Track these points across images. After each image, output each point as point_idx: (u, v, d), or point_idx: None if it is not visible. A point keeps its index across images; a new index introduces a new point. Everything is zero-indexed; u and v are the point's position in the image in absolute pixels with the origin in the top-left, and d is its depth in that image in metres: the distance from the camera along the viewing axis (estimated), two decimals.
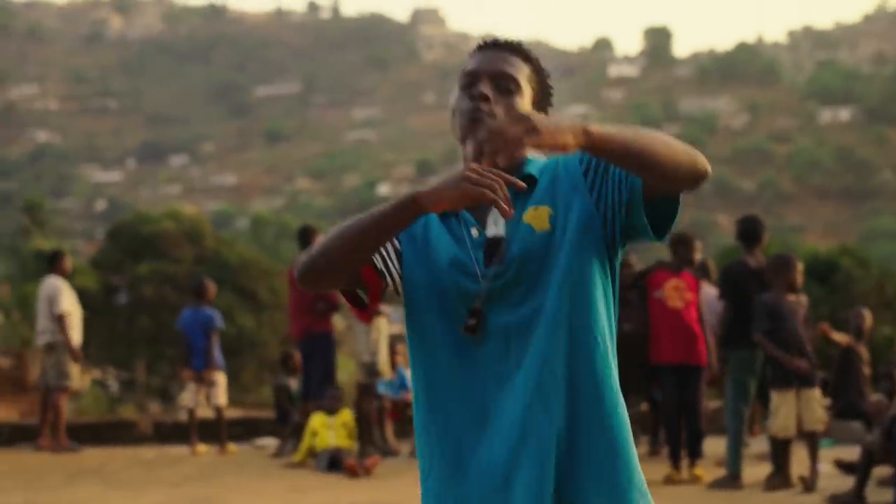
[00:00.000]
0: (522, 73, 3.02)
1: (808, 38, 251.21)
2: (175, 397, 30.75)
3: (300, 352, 13.56)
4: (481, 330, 2.87)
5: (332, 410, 12.77)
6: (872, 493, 9.49)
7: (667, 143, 2.74)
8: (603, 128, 2.69)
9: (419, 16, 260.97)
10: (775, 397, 10.31)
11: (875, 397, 13.32)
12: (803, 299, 10.58)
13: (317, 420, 12.69)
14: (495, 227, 2.92)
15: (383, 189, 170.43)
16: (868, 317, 14.06)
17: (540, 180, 2.95)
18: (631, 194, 2.85)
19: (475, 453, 2.87)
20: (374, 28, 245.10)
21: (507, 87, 2.97)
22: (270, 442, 15.37)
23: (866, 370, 13.50)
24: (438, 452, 2.94)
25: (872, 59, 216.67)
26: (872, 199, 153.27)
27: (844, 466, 11.02)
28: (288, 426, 14.14)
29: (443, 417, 2.93)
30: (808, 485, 10.01)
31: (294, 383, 14.86)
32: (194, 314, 14.33)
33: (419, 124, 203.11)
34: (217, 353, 14.24)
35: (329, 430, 12.63)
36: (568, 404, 2.84)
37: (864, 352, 13.60)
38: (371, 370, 13.03)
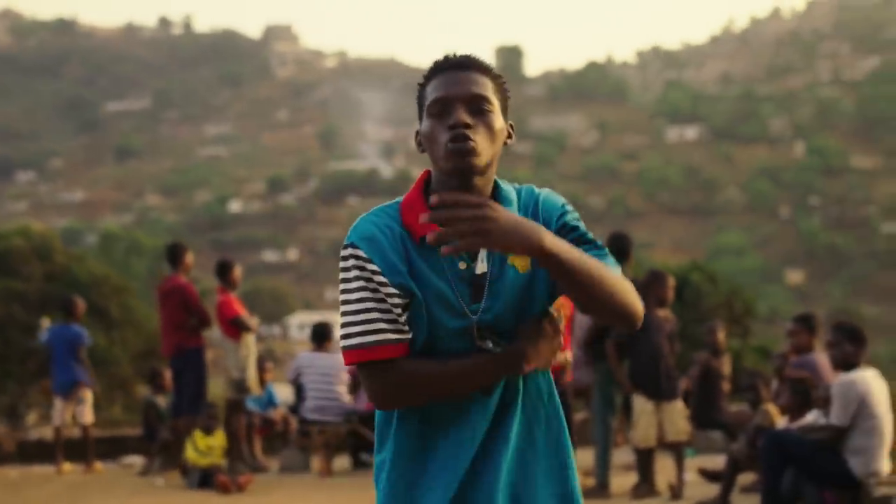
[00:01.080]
0: (489, 89, 3.04)
1: (656, 59, 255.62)
2: (23, 416, 30.20)
3: (171, 368, 13.51)
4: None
5: (208, 429, 12.71)
6: (737, 499, 9.81)
7: (615, 285, 2.89)
8: (560, 247, 2.80)
9: (272, 32, 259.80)
10: (637, 408, 10.61)
11: (736, 408, 13.72)
12: (670, 316, 10.87)
13: (198, 438, 12.55)
14: (482, 263, 2.99)
15: (234, 205, 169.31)
16: (721, 331, 14.50)
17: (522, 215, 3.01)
18: None
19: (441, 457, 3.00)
20: (226, 44, 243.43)
21: (480, 107, 3.00)
22: (137, 460, 15.28)
23: (725, 384, 13.89)
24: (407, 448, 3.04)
25: (719, 80, 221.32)
26: (718, 215, 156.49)
27: (708, 475, 11.33)
28: (156, 443, 14.08)
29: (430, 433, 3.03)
30: (676, 492, 10.29)
31: (162, 400, 14.81)
32: (62, 330, 14.21)
33: (272, 141, 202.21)
34: (85, 371, 14.13)
35: (202, 452, 12.54)
36: (524, 429, 3.04)
37: (724, 365, 13.98)
38: (240, 386, 13.02)
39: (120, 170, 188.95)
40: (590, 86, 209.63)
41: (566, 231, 3.02)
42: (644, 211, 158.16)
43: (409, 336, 2.96)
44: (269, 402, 14.94)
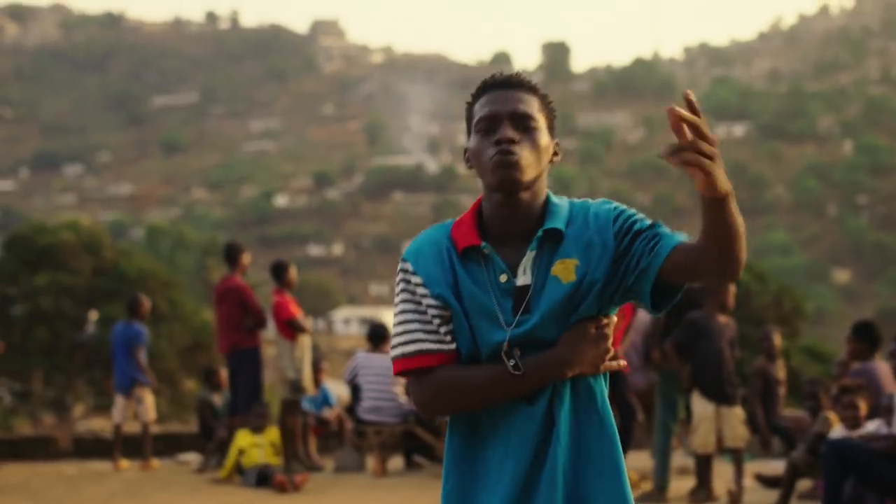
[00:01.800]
0: (535, 107, 3.13)
1: (703, 55, 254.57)
2: (70, 408, 30.45)
3: (228, 367, 13.61)
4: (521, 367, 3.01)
5: (258, 428, 12.83)
6: None
7: (741, 236, 2.90)
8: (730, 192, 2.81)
9: (318, 27, 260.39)
10: (696, 413, 10.60)
11: (796, 413, 13.67)
12: (731, 322, 10.86)
13: (243, 438, 12.73)
14: (524, 275, 3.06)
15: (280, 200, 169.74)
16: (777, 337, 14.44)
17: (567, 232, 3.07)
18: (650, 265, 2.98)
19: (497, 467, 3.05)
20: (273, 39, 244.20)
21: (526, 125, 3.08)
22: (193, 457, 15.39)
23: (781, 389, 13.84)
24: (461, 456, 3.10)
25: (766, 76, 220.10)
26: (766, 214, 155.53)
27: (766, 480, 11.33)
28: (212, 442, 14.18)
29: (478, 441, 3.08)
30: (735, 498, 10.29)
31: (218, 399, 14.93)
32: (124, 329, 14.38)
33: (317, 136, 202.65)
34: (143, 370, 14.26)
35: (257, 448, 12.69)
36: (574, 433, 3.05)
37: (779, 370, 13.95)
38: (295, 387, 13.09)
39: (166, 164, 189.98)
40: (637, 82, 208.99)
41: (626, 231, 3.05)
42: (690, 208, 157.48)
43: (452, 347, 3.07)
44: (324, 401, 15.03)
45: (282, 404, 13.25)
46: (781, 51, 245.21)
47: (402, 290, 3.13)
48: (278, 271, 13.29)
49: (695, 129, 2.74)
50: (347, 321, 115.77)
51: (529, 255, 3.05)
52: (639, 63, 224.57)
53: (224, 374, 14.51)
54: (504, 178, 3.02)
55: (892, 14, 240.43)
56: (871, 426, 9.05)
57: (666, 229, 3.05)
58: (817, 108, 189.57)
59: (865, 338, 10.45)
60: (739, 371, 11.45)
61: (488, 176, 3.06)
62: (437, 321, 3.06)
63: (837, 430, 9.29)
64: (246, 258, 13.51)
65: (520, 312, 3.02)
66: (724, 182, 2.77)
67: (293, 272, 13.32)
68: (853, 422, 9.12)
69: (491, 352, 3.02)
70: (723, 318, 10.66)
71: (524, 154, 3.04)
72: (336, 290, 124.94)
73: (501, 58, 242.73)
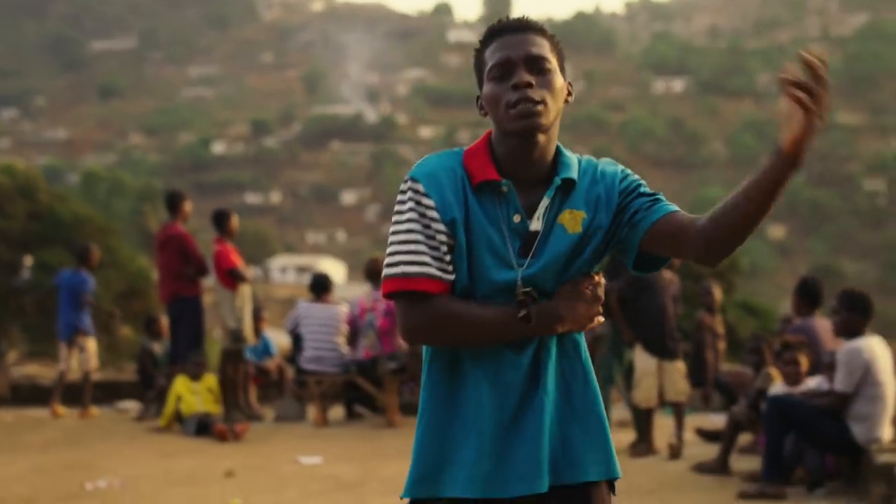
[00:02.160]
0: (547, 49, 3.07)
1: (644, 10, 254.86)
2: (4, 355, 30.22)
3: (168, 316, 13.52)
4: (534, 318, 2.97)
5: (196, 375, 12.76)
6: (735, 460, 9.87)
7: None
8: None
9: None
10: (639, 368, 10.65)
11: (735, 368, 13.79)
12: (675, 278, 10.91)
13: (181, 384, 12.65)
14: (537, 220, 3.02)
15: (218, 147, 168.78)
16: (717, 291, 14.55)
17: (579, 183, 3.06)
18: (643, 219, 3.01)
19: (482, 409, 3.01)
20: None
21: (541, 67, 3.02)
22: (133, 405, 15.30)
23: (721, 343, 13.96)
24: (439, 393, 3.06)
25: (706, 33, 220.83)
26: (702, 168, 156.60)
27: (706, 434, 11.42)
28: (152, 390, 14.10)
29: (463, 380, 3.03)
30: (676, 452, 10.36)
31: (158, 347, 14.84)
32: (71, 277, 14.29)
33: (256, 83, 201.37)
34: (87, 318, 14.17)
35: (194, 394, 12.62)
36: (562, 387, 3.05)
37: (719, 325, 14.04)
38: (236, 336, 13.02)
39: (103, 109, 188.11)
40: (577, 36, 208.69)
41: (630, 191, 3.07)
42: (628, 162, 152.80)
43: (452, 277, 2.99)
44: (265, 351, 14.97)
45: (222, 354, 13.16)
46: (722, 7, 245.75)
47: (411, 210, 2.99)
48: (220, 220, 13.16)
49: (818, 81, 2.80)
50: (284, 269, 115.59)
51: (545, 201, 3.01)
52: (580, 17, 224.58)
53: (165, 322, 14.41)
54: (526, 126, 2.96)
55: None
56: (813, 382, 9.12)
57: (666, 203, 3.07)
58: (756, 66, 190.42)
59: (807, 295, 10.50)
60: (680, 326, 11.51)
61: (507, 123, 3.00)
62: (444, 248, 2.98)
63: (778, 386, 9.34)
64: (188, 206, 13.38)
65: (529, 256, 2.99)
66: (807, 149, 2.83)
67: (235, 221, 13.20)
68: (794, 378, 9.18)
69: (490, 290, 2.99)
70: (667, 274, 10.71)
71: (542, 97, 2.99)
72: (273, 239, 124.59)
73: (443, 8, 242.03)
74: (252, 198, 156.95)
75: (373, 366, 12.76)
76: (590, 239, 3.03)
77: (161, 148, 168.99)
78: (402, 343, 12.65)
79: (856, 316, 8.67)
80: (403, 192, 3.03)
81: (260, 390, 15.09)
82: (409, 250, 2.97)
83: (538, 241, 3.00)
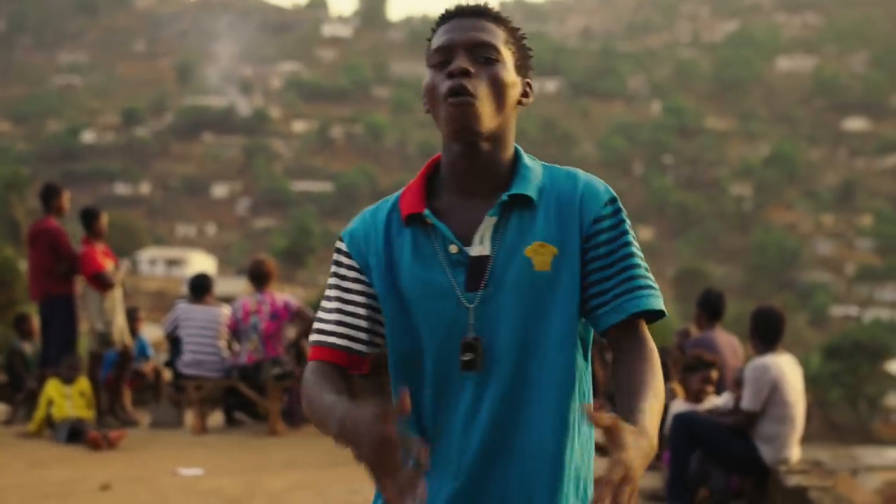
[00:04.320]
0: (499, 38, 2.61)
1: (519, 10, 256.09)
2: None
3: (40, 315, 12.88)
4: (482, 363, 2.52)
5: (68, 379, 12.15)
6: None
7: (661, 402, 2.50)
8: (654, 424, 2.38)
9: None
10: None
11: None
12: None
13: (52, 388, 12.04)
14: (481, 244, 2.54)
15: (87, 136, 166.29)
16: None
17: (541, 207, 2.57)
18: (601, 318, 2.56)
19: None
20: None
21: (486, 56, 2.57)
22: (1, 409, 14.64)
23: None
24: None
25: (579, 34, 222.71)
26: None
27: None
28: (21, 393, 13.46)
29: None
30: None
31: (29, 348, 14.21)
32: None
33: (127, 72, 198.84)
34: None
35: (66, 399, 12.03)
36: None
37: None
38: (104, 339, 12.47)
39: None
40: None
41: (601, 235, 2.55)
42: None
43: (362, 349, 2.62)
44: (141, 352, 14.40)
45: (90, 356, 12.62)
46: (595, 10, 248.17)
47: (332, 273, 2.67)
48: (88, 219, 12.56)
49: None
50: (153, 262, 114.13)
51: (488, 222, 2.53)
52: None
53: (36, 321, 13.76)
54: (460, 127, 2.53)
55: None
56: (720, 400, 8.87)
57: (649, 276, 2.59)
58: (628, 68, 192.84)
59: (709, 307, 10.29)
60: None
61: (443, 123, 2.55)
62: (361, 311, 2.62)
63: (680, 403, 9.08)
64: (65, 200, 12.70)
65: (481, 288, 2.52)
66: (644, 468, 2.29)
67: (104, 220, 12.60)
68: (700, 395, 8.93)
69: (444, 336, 2.53)
70: None
71: (480, 91, 2.53)
72: (142, 230, 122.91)
73: (318, 2, 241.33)
74: (122, 189, 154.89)
75: (255, 371, 12.27)
76: (562, 283, 2.54)
77: (29, 136, 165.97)
78: (286, 348, 12.24)
79: (764, 333, 8.44)
80: (335, 251, 2.71)
81: (135, 394, 14.52)
82: (325, 318, 2.66)
83: (490, 270, 2.53)
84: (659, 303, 2.58)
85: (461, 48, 2.56)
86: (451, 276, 2.54)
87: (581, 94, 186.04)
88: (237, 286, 63.27)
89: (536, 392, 2.52)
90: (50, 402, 11.95)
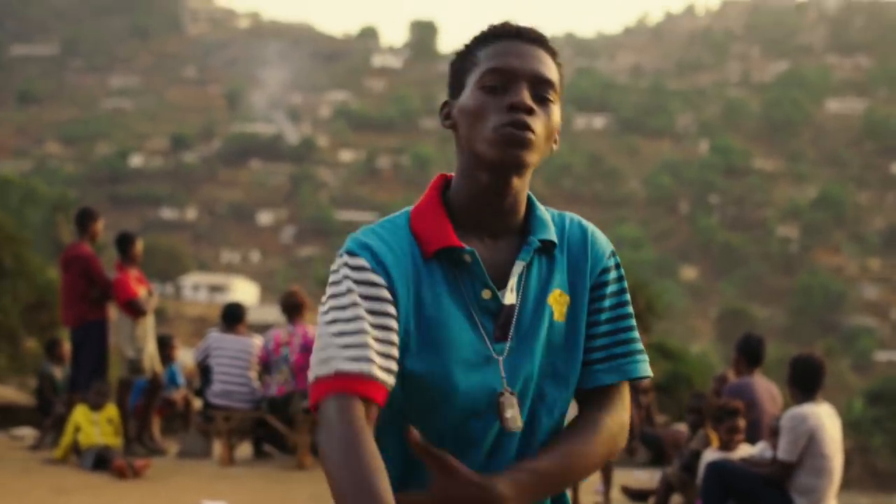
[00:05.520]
0: (555, 76, 2.43)
1: (569, 45, 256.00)
2: None
3: (72, 340, 12.78)
4: (521, 420, 2.40)
5: (97, 405, 12.04)
6: None
7: (598, 451, 2.43)
8: (517, 482, 2.28)
9: None
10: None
11: (661, 420, 13.32)
12: None
13: (80, 414, 11.93)
14: (511, 293, 2.39)
15: (135, 160, 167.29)
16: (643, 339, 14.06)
17: (562, 255, 2.46)
18: (589, 377, 2.49)
19: None
20: None
21: (544, 94, 2.38)
22: (29, 433, 14.55)
23: (643, 397, 13.46)
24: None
25: (629, 71, 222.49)
26: (620, 206, 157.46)
27: (632, 494, 10.90)
28: (49, 417, 13.36)
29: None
30: None
31: (59, 372, 14.12)
32: None
33: (177, 97, 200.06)
34: None
35: (94, 425, 11.91)
36: None
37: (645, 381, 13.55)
38: (134, 367, 12.37)
39: (21, 115, 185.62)
40: None
41: (604, 289, 2.47)
42: (546, 196, 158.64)
43: (393, 382, 2.30)
44: (172, 381, 14.28)
45: (119, 383, 12.52)
46: (645, 47, 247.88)
47: (350, 291, 2.29)
48: (123, 245, 12.47)
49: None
50: (196, 287, 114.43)
51: (518, 267, 2.39)
52: None
53: (67, 346, 13.68)
54: (509, 157, 2.32)
55: (755, 19, 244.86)
56: (755, 449, 8.64)
57: (638, 340, 2.52)
58: (677, 106, 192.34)
59: (748, 352, 10.05)
60: None
61: (486, 146, 2.34)
62: (393, 338, 2.30)
63: (713, 451, 8.86)
64: (98, 226, 12.62)
65: (508, 339, 2.38)
66: None
67: (139, 246, 12.52)
68: (732, 444, 8.71)
69: (468, 386, 2.35)
70: None
71: (538, 131, 2.35)
72: (186, 255, 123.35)
73: (368, 32, 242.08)
74: (168, 213, 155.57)
75: (285, 403, 12.10)
76: (574, 333, 2.45)
77: (78, 158, 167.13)
78: None
79: (802, 381, 8.20)
80: (337, 271, 2.36)
81: (164, 422, 14.39)
82: (348, 343, 2.25)
83: (517, 321, 2.39)
84: (649, 369, 2.53)
85: (524, 80, 2.38)
86: (480, 322, 2.38)
87: (629, 130, 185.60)
88: (279, 314, 62.82)
89: (542, 438, 2.44)
90: (77, 429, 11.84)
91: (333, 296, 2.33)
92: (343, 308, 2.30)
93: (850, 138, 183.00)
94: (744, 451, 8.68)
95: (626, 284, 2.51)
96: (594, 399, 2.47)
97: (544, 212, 2.48)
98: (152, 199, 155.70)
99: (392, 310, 2.30)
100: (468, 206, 2.42)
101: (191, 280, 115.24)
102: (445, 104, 2.51)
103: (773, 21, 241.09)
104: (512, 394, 2.36)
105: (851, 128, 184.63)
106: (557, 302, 2.42)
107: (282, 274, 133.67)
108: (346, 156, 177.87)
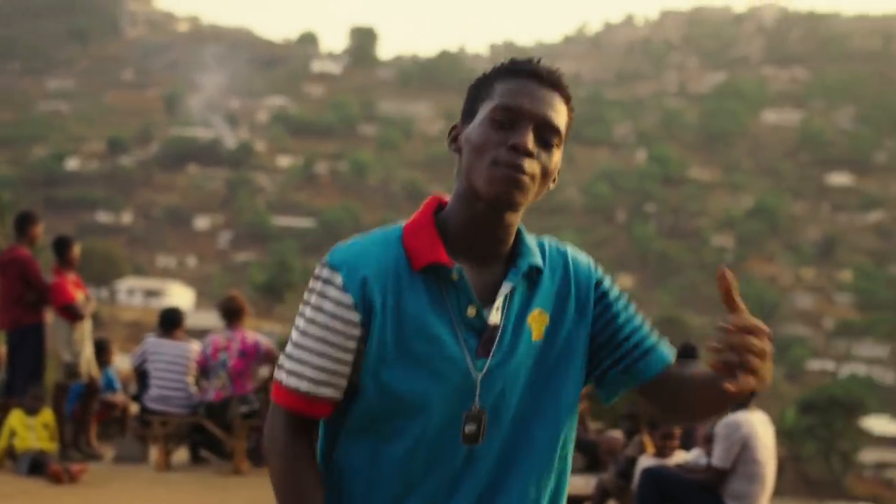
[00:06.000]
0: (563, 122, 2.50)
1: (508, 53, 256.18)
2: None
3: (7, 344, 12.69)
4: (484, 437, 2.45)
5: (33, 410, 11.97)
6: None
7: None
8: None
9: None
10: None
11: (612, 433, 13.39)
12: None
13: (15, 418, 11.86)
14: (496, 312, 2.45)
15: (72, 163, 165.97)
16: None
17: (545, 277, 2.53)
18: (633, 376, 2.56)
19: None
20: None
21: (548, 139, 2.45)
22: None
23: (580, 404, 13.53)
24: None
25: (568, 80, 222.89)
26: (557, 215, 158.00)
27: (567, 500, 10.96)
28: None
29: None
30: None
31: None
32: None
33: (115, 100, 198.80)
34: None
35: (29, 430, 11.85)
36: None
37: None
38: (71, 371, 12.30)
39: None
40: (441, 74, 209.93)
41: (607, 297, 2.58)
42: None
43: (338, 396, 2.47)
44: (109, 385, 14.21)
45: (55, 388, 12.44)
46: (584, 56, 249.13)
47: (316, 308, 2.44)
48: (60, 248, 12.40)
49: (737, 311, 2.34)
50: (132, 292, 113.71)
51: (505, 288, 2.46)
52: (444, 56, 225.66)
53: (2, 350, 13.57)
54: (502, 197, 2.41)
55: (693, 30, 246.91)
56: (690, 455, 8.76)
57: (647, 324, 2.60)
58: (615, 116, 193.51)
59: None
60: None
61: (481, 182, 2.42)
62: (348, 358, 2.44)
63: (648, 457, 8.97)
64: (38, 229, 12.53)
65: (490, 357, 2.44)
66: (767, 381, 2.31)
67: (76, 250, 12.45)
68: (667, 450, 8.82)
69: (444, 401, 2.42)
70: None
71: (534, 173, 2.43)
72: (122, 260, 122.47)
73: (308, 38, 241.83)
74: (104, 217, 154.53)
75: (222, 408, 12.08)
76: (557, 353, 2.50)
77: (13, 160, 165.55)
78: (254, 386, 12.07)
79: None
80: (317, 278, 2.47)
81: (100, 427, 14.31)
82: (303, 360, 2.45)
83: (499, 340, 2.45)
84: (668, 348, 2.61)
85: (531, 122, 2.44)
86: (463, 339, 2.44)
87: (567, 139, 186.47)
88: (215, 319, 62.63)
89: (526, 459, 2.47)
90: (12, 433, 11.77)
91: (307, 304, 2.48)
92: (311, 322, 2.45)
93: (785, 149, 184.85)
94: (679, 457, 8.80)
95: (610, 279, 2.62)
96: (657, 387, 2.55)
97: (531, 239, 2.56)
98: (88, 202, 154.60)
99: (354, 331, 2.41)
100: (462, 230, 2.49)
101: (126, 284, 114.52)
102: (455, 127, 2.57)
103: (711, 32, 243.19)
104: (482, 410, 2.42)
105: (787, 139, 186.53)
106: (536, 321, 2.48)
107: (218, 279, 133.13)
108: (284, 161, 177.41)
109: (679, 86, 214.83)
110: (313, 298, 2.46)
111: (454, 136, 2.54)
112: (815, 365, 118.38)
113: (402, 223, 2.53)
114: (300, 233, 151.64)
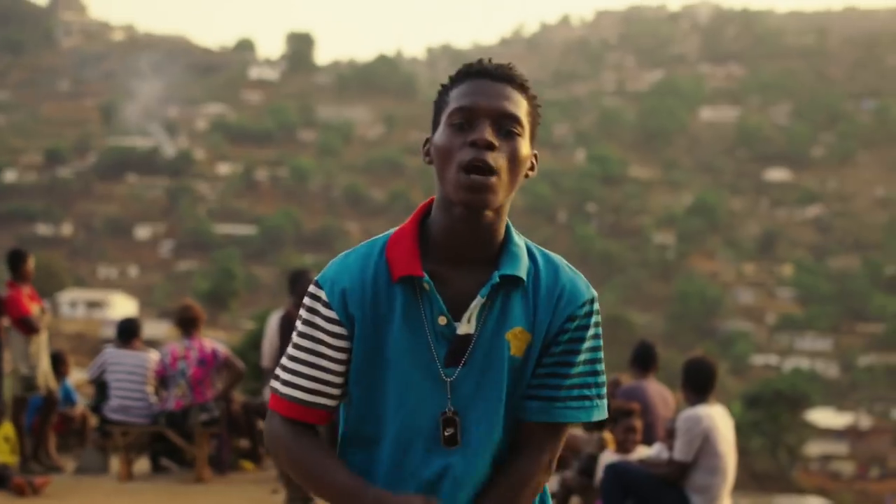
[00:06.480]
0: (523, 109, 2.60)
1: (445, 56, 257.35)
2: None
3: None
4: (460, 439, 2.57)
5: None
6: None
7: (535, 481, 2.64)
8: None
9: (59, 1, 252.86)
10: None
11: (573, 431, 13.53)
12: None
13: None
14: (467, 323, 2.55)
15: (9, 176, 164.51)
16: None
17: (527, 291, 2.61)
18: (526, 411, 2.63)
19: None
20: (9, 9, 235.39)
21: (509, 129, 2.55)
22: None
23: None
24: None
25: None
26: None
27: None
28: None
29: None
30: None
31: None
32: None
33: (51, 111, 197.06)
34: None
35: None
36: None
37: None
38: (29, 384, 12.31)
39: None
40: (379, 79, 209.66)
41: (567, 337, 2.60)
42: None
43: (333, 404, 2.63)
44: (67, 398, 14.21)
45: (14, 401, 12.44)
46: (522, 57, 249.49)
47: (306, 322, 2.59)
48: (14, 262, 12.40)
49: None
50: (74, 304, 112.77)
51: (478, 302, 2.53)
52: (382, 60, 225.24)
53: None
54: (473, 202, 2.49)
55: (629, 29, 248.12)
56: (652, 450, 8.90)
57: (601, 397, 2.67)
58: (553, 116, 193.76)
59: (642, 358, 10.34)
60: None
61: (452, 189, 2.51)
62: (337, 368, 2.59)
63: (610, 453, 9.11)
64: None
65: (460, 365, 2.54)
66: None
67: (31, 263, 12.47)
68: (629, 445, 8.96)
69: (416, 406, 2.55)
70: None
71: (500, 166, 2.51)
72: (63, 271, 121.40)
73: (245, 44, 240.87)
74: (43, 229, 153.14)
75: (183, 417, 12.14)
76: (530, 372, 2.61)
77: None
78: (214, 393, 12.13)
79: (695, 384, 8.47)
80: (308, 295, 2.61)
81: (60, 439, 14.31)
82: (294, 370, 2.61)
83: (472, 350, 2.54)
84: (599, 413, 2.65)
85: (486, 116, 2.54)
86: (434, 347, 2.54)
87: (536, 126, 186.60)
88: (159, 329, 62.81)
89: (485, 463, 2.59)
90: None
91: (300, 318, 2.62)
92: (302, 336, 2.61)
93: (723, 146, 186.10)
94: (641, 452, 8.94)
95: (598, 331, 2.64)
96: (528, 433, 2.63)
97: (520, 245, 2.64)
98: (27, 214, 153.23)
99: (340, 342, 2.57)
100: (443, 235, 2.56)
101: (68, 296, 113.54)
102: (427, 140, 2.64)
103: (647, 31, 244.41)
104: (455, 414, 2.54)
105: (725, 136, 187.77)
106: (517, 338, 2.55)
107: (161, 288, 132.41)
108: (224, 169, 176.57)
109: (617, 85, 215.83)
110: (305, 314, 2.59)
111: (427, 150, 2.63)
112: (758, 360, 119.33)
113: (392, 231, 2.62)
114: (242, 240, 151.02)
